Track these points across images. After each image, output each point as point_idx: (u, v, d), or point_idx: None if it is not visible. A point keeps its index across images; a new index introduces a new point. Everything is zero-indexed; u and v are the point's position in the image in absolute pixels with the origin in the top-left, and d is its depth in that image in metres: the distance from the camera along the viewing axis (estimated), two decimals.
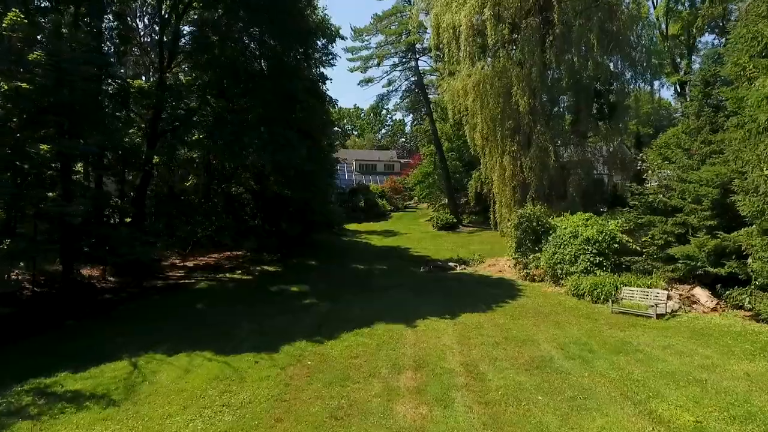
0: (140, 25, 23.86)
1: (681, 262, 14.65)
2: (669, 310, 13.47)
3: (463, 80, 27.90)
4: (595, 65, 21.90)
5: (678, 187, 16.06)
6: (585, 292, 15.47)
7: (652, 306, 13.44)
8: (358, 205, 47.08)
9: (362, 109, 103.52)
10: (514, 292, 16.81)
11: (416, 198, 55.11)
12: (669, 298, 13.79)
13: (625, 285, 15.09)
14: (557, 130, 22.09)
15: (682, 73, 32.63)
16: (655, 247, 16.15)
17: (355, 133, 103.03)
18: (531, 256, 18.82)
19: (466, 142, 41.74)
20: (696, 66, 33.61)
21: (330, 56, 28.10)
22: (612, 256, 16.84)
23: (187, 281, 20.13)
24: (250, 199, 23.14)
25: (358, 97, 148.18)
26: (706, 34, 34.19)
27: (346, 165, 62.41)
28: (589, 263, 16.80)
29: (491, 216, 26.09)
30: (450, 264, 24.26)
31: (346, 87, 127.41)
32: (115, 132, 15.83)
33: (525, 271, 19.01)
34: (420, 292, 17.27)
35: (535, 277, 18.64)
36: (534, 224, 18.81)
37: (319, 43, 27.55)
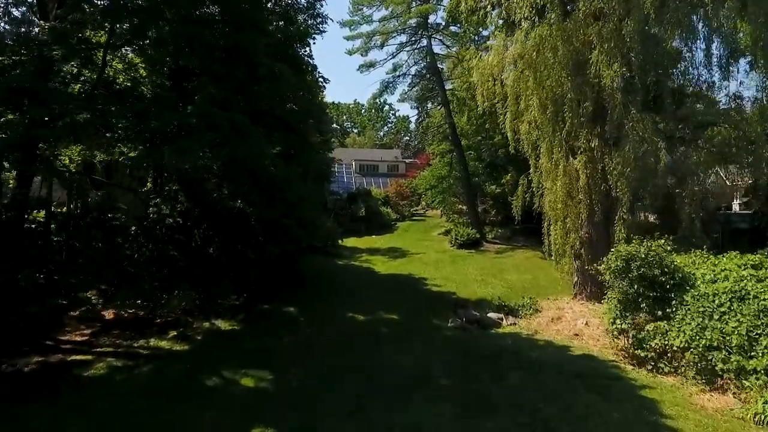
0: None
1: None
2: None
3: (499, 53, 20.23)
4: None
5: None
6: None
7: None
8: (358, 214, 39.46)
9: (362, 105, 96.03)
10: (646, 413, 8.96)
11: (424, 204, 47.54)
12: None
13: None
14: (665, 116, 14.27)
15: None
16: None
17: (356, 131, 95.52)
18: (651, 326, 11.00)
19: (486, 138, 33.92)
20: None
21: (319, 19, 20.43)
22: None
23: (81, 357, 12.30)
24: (195, 219, 15.32)
25: (357, 92, 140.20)
26: None
27: (344, 166, 55.06)
28: None
29: (545, 240, 18.37)
30: (491, 315, 16.46)
31: (344, 81, 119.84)
32: None
33: (640, 351, 11.16)
34: (467, 403, 9.40)
35: (660, 365, 10.82)
36: (656, 271, 11.02)
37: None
